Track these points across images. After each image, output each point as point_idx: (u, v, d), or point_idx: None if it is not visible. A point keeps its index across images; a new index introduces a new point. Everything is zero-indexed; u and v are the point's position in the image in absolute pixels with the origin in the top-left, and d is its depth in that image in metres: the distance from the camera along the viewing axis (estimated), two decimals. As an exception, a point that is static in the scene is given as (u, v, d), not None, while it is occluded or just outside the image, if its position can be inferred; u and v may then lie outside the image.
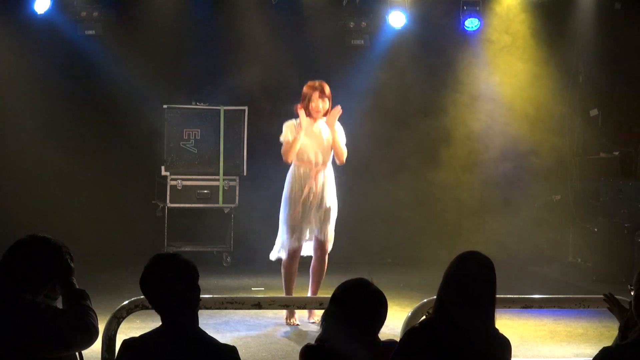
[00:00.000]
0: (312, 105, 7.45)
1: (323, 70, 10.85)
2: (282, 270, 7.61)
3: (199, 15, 10.71)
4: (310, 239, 7.58)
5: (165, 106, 10.53)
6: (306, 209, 7.45)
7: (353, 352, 3.57)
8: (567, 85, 11.33)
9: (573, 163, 11.44)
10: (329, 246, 7.61)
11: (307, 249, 7.67)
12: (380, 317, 3.65)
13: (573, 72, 11.36)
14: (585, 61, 11.32)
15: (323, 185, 7.49)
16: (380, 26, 10.98)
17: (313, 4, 10.83)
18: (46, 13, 10.05)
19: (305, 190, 7.43)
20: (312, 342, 3.73)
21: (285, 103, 10.78)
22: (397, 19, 10.76)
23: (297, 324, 7.47)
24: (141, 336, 3.51)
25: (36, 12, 10.00)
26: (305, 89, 7.57)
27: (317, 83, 7.54)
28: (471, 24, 10.85)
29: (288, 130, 7.48)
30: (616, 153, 10.71)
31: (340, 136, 7.54)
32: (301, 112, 7.45)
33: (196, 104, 10.64)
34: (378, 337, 3.68)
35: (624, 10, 10.92)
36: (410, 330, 3.65)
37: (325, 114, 7.51)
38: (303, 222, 7.46)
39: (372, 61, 11.15)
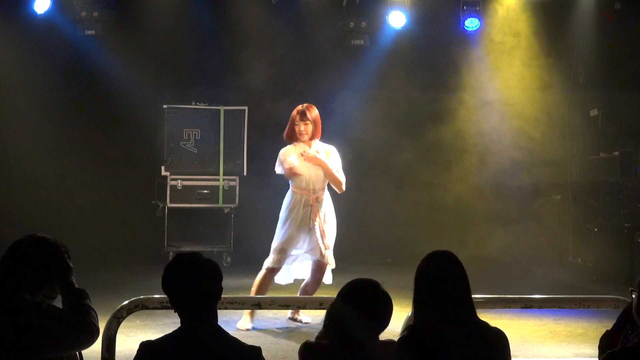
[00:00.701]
0: (295, 128, 7.46)
1: (323, 70, 10.88)
2: (257, 278, 7.49)
3: (198, 16, 10.70)
4: (301, 261, 7.56)
5: (165, 106, 10.52)
6: (306, 236, 7.43)
7: (352, 350, 3.56)
8: (567, 85, 11.33)
9: (573, 163, 11.44)
10: (332, 266, 7.63)
11: (299, 272, 7.66)
12: (384, 319, 3.65)
13: (573, 72, 11.36)
14: (585, 61, 11.32)
15: (324, 211, 7.51)
16: (380, 26, 10.98)
17: (313, 4, 10.82)
18: (46, 13, 10.04)
19: (309, 220, 7.40)
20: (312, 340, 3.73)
21: (285, 103, 10.82)
22: (397, 19, 10.75)
23: (301, 320, 7.52)
24: (160, 339, 3.45)
25: (36, 12, 9.99)
26: (292, 113, 7.55)
27: (302, 106, 7.50)
28: (471, 24, 10.84)
29: (283, 157, 7.47)
30: (616, 153, 10.70)
31: (334, 163, 7.50)
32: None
33: (196, 104, 10.63)
34: (378, 337, 3.68)
35: (624, 10, 10.92)
36: (399, 342, 3.64)
37: (312, 137, 7.48)
38: (293, 248, 7.43)
39: (372, 61, 11.15)
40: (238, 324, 7.34)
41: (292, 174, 7.42)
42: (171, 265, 3.52)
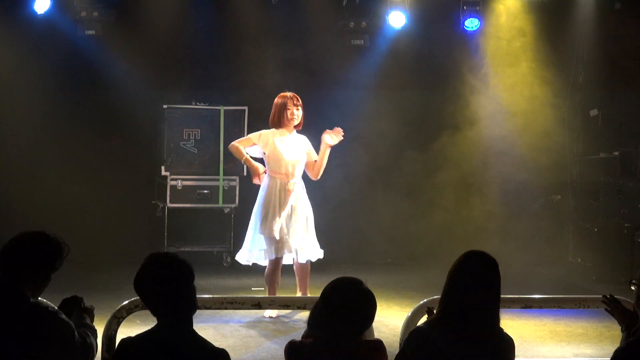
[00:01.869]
0: (288, 112, 7.61)
1: (323, 70, 10.88)
2: (266, 281, 7.75)
3: (199, 15, 10.70)
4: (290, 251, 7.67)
5: (165, 106, 10.52)
6: (287, 223, 7.58)
7: (336, 349, 3.56)
8: (567, 85, 11.33)
9: (573, 163, 11.43)
10: (318, 254, 7.73)
11: (287, 258, 7.79)
12: (367, 316, 3.64)
13: (573, 72, 11.36)
14: (585, 61, 11.32)
15: (299, 198, 7.65)
16: (380, 26, 10.98)
17: (313, 4, 10.82)
18: (46, 13, 10.04)
19: (287, 205, 7.57)
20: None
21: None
22: (397, 19, 10.75)
23: (272, 317, 7.63)
24: (138, 336, 3.51)
25: (36, 12, 9.99)
26: (277, 99, 7.73)
27: (289, 93, 7.72)
28: (471, 24, 10.84)
29: (259, 135, 7.70)
30: (616, 153, 10.70)
31: (314, 153, 7.73)
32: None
33: (196, 104, 10.63)
34: (362, 336, 3.66)
35: (624, 10, 10.92)
36: (415, 331, 3.65)
37: (299, 125, 7.70)
38: (285, 234, 7.57)
39: (372, 61, 11.14)
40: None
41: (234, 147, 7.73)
42: (143, 266, 3.54)
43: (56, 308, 3.81)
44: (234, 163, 10.64)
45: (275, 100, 7.75)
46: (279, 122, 7.69)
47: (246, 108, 10.65)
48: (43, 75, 10.49)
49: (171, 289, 3.46)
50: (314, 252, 7.77)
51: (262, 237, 7.64)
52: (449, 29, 11.01)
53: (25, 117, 10.54)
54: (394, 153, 11.16)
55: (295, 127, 7.72)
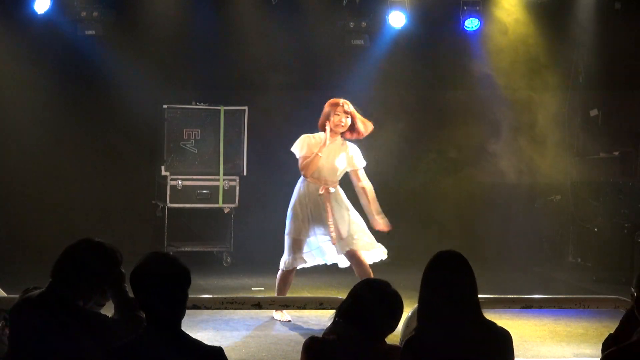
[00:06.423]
0: (335, 119, 7.48)
1: (323, 70, 10.88)
2: (278, 279, 7.55)
3: (199, 15, 10.69)
4: (315, 255, 7.53)
5: (165, 106, 10.52)
6: (314, 226, 7.41)
7: (358, 349, 3.56)
8: (567, 85, 11.33)
9: (573, 163, 11.44)
10: (373, 249, 7.54)
11: (321, 259, 7.64)
12: (393, 318, 3.65)
13: (573, 72, 11.36)
14: (585, 61, 11.32)
15: (337, 201, 7.47)
16: (380, 26, 10.97)
17: (313, 4, 10.82)
18: (46, 13, 10.03)
19: (319, 209, 7.40)
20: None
21: (285, 103, 10.81)
22: (397, 19, 10.75)
23: (289, 320, 7.53)
24: (124, 343, 3.42)
25: (36, 12, 9.98)
26: (327, 106, 7.57)
27: (340, 100, 7.55)
28: (471, 24, 10.83)
29: (305, 144, 7.49)
30: (616, 153, 10.71)
31: (359, 160, 7.68)
32: (327, 129, 7.48)
33: (196, 104, 10.63)
34: (385, 340, 3.67)
35: (624, 10, 10.92)
36: (408, 341, 3.64)
37: (347, 132, 7.60)
38: (307, 237, 7.42)
39: (372, 61, 11.14)
40: (275, 314, 7.51)
41: (307, 164, 7.42)
42: (145, 261, 3.45)
43: (108, 316, 3.75)
44: (234, 163, 10.65)
45: (325, 105, 7.58)
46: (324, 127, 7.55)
47: (246, 108, 10.65)
48: (43, 75, 10.47)
49: (165, 290, 3.37)
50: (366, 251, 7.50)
51: (288, 238, 7.45)
52: (449, 29, 11.00)
53: (24, 117, 10.52)
54: (393, 153, 11.16)
55: (342, 134, 7.60)
